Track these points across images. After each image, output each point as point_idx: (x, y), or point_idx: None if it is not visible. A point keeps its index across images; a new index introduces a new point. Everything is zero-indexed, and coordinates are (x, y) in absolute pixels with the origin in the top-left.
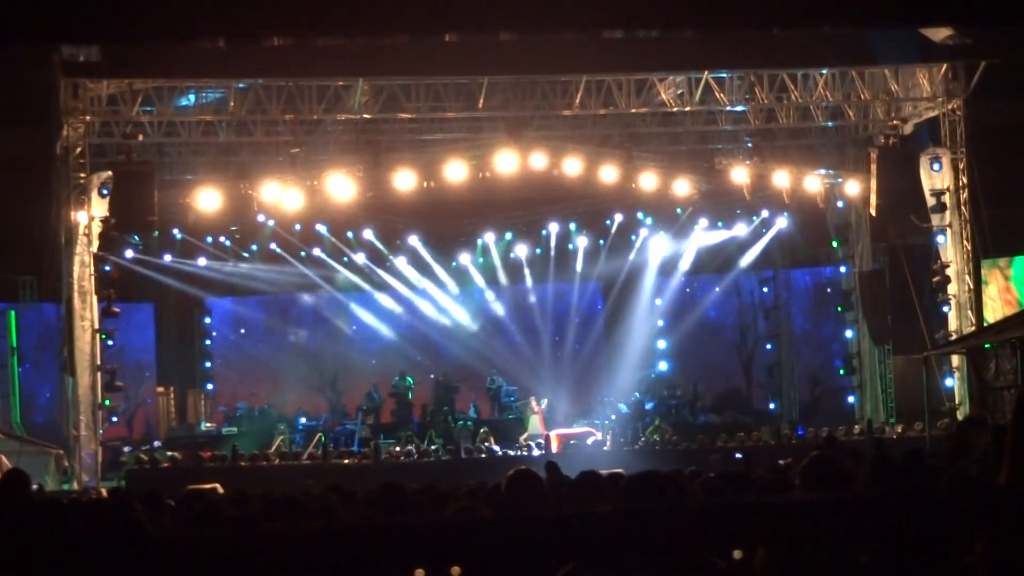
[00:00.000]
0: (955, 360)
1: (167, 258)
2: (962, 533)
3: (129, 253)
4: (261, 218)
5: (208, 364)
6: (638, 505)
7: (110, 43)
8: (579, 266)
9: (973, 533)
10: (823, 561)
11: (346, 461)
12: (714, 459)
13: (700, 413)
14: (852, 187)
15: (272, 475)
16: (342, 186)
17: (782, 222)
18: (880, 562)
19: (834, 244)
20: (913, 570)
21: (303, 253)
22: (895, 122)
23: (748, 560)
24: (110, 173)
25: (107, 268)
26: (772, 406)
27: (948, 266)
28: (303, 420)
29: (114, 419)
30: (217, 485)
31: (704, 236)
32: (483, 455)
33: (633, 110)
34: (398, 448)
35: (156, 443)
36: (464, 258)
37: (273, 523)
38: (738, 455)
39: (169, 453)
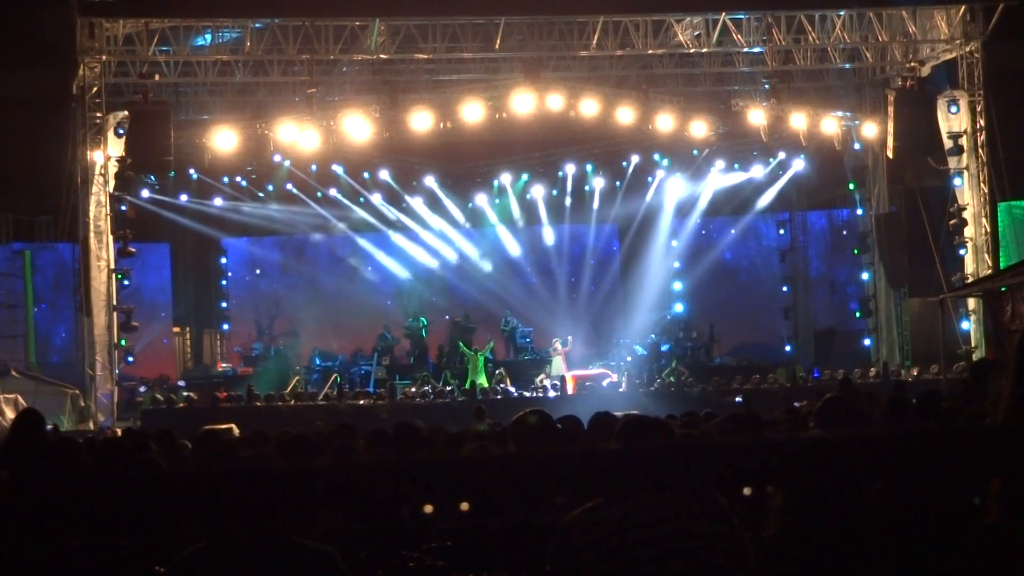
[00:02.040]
0: (971, 303)
1: (183, 198)
2: (975, 474)
3: (145, 193)
4: (277, 158)
5: (224, 304)
6: (644, 443)
7: None
8: (595, 207)
9: (986, 474)
10: (835, 499)
11: (361, 402)
12: (729, 401)
13: (715, 356)
14: (869, 129)
15: (288, 415)
16: (358, 126)
17: (799, 164)
18: (891, 500)
19: (851, 186)
20: (924, 508)
21: (319, 193)
22: (912, 64)
23: (759, 498)
24: (126, 113)
25: (123, 208)
26: (788, 348)
27: (965, 209)
28: (319, 361)
29: (130, 359)
30: (233, 425)
31: (721, 178)
32: (499, 396)
33: (650, 51)
34: (414, 389)
35: (180, 383)
36: (480, 199)
37: (287, 461)
38: (738, 399)
39: (185, 394)
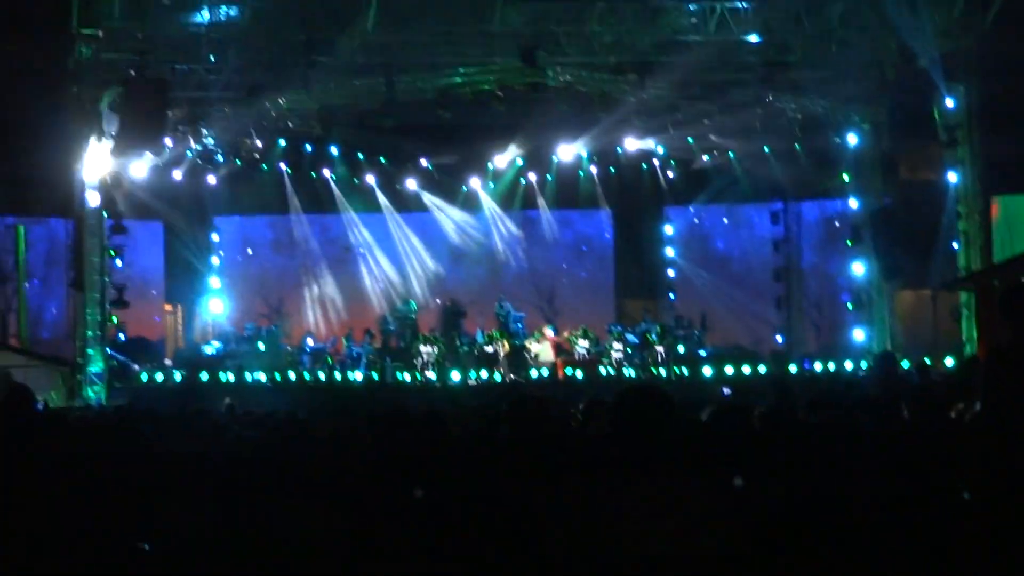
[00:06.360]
0: (964, 297)
1: (177, 175)
2: (961, 469)
3: (139, 170)
4: (272, 138)
5: (216, 283)
6: (633, 424)
7: None
8: (589, 193)
9: (971, 469)
10: (827, 489)
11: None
12: (719, 391)
13: (707, 344)
14: (864, 119)
15: (278, 396)
16: (354, 107)
17: (793, 153)
18: (884, 492)
19: (845, 177)
20: (913, 502)
21: (313, 174)
22: (909, 54)
23: (755, 486)
24: (122, 89)
25: (117, 185)
26: (779, 339)
27: (960, 202)
28: (310, 342)
29: (121, 336)
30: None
31: (714, 166)
32: (488, 381)
33: (646, 38)
34: (414, 361)
35: (169, 362)
36: (474, 182)
37: (276, 439)
38: (726, 389)
39: (175, 372)
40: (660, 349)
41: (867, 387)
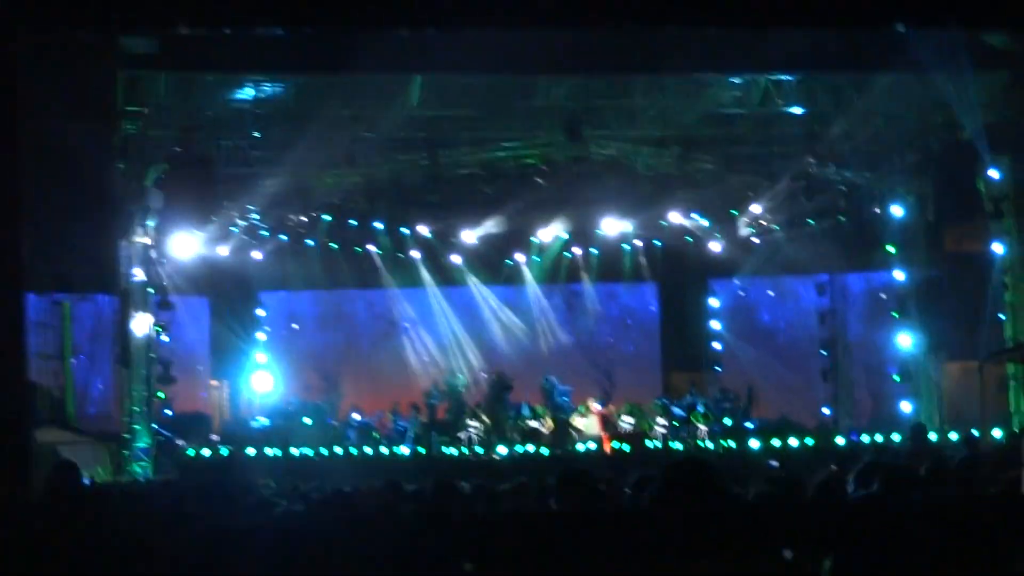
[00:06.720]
0: (1011, 369)
1: (223, 251)
2: (1012, 544)
3: (185, 245)
4: (317, 213)
5: (262, 359)
6: (681, 499)
7: (169, 33)
8: (634, 266)
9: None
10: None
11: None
12: (767, 465)
13: (753, 417)
14: (909, 191)
15: (325, 471)
16: (398, 182)
17: (838, 226)
18: (935, 566)
19: (890, 249)
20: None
21: (358, 249)
22: (954, 126)
23: (805, 563)
24: (167, 165)
25: (163, 261)
26: (827, 411)
27: (1006, 273)
28: (356, 417)
29: (167, 412)
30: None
31: (760, 238)
32: (535, 454)
33: (690, 111)
34: (460, 435)
35: (215, 437)
36: (519, 256)
37: (326, 515)
38: (773, 462)
39: (222, 447)
40: (703, 426)
41: (901, 459)
